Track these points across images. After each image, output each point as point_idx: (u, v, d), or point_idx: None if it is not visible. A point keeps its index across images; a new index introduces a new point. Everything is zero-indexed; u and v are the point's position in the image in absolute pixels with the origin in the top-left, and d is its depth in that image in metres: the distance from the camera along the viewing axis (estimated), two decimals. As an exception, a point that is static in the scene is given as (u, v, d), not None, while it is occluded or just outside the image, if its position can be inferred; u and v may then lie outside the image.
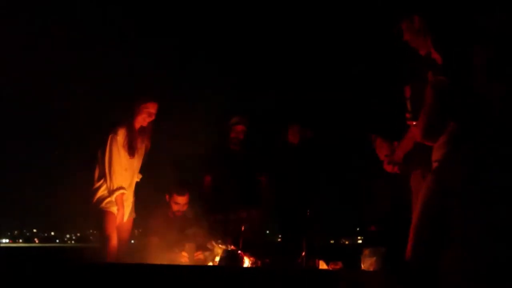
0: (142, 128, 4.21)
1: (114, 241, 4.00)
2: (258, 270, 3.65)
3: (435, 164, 2.37)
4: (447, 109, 2.33)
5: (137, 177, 4.29)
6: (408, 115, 2.65)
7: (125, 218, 4.13)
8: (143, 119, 4.16)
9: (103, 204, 4.03)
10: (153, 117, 4.19)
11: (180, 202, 4.47)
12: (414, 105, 2.62)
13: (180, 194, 4.47)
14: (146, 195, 4.56)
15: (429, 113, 2.38)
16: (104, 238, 4.01)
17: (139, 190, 4.36)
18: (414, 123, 2.59)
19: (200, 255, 4.19)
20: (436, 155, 2.38)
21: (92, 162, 4.17)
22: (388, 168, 3.17)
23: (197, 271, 3.45)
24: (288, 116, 5.32)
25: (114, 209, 4.03)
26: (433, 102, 2.36)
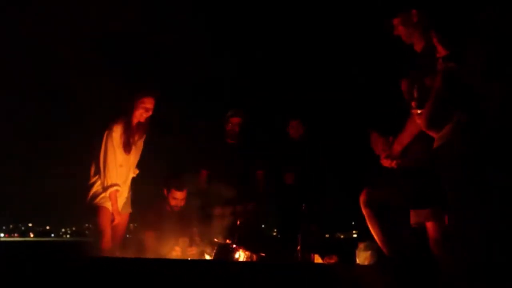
0: (139, 123, 4.21)
1: (108, 236, 4.02)
2: (254, 264, 3.66)
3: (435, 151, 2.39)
4: (455, 97, 2.33)
5: (133, 173, 4.30)
6: (413, 103, 2.62)
7: (120, 212, 4.14)
8: (140, 115, 4.16)
9: (98, 200, 4.05)
10: (150, 113, 4.19)
11: (178, 197, 4.48)
12: (420, 94, 2.60)
13: (179, 189, 4.48)
14: (143, 189, 4.56)
15: (437, 99, 2.37)
16: (98, 233, 4.04)
17: (136, 184, 4.36)
18: (419, 111, 2.57)
19: (193, 251, 4.20)
20: (437, 144, 2.39)
21: (88, 158, 4.19)
22: (386, 163, 3.16)
23: (193, 265, 3.46)
24: (289, 111, 5.29)
25: (108, 204, 4.06)
26: (441, 88, 2.35)
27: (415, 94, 2.60)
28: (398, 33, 3.01)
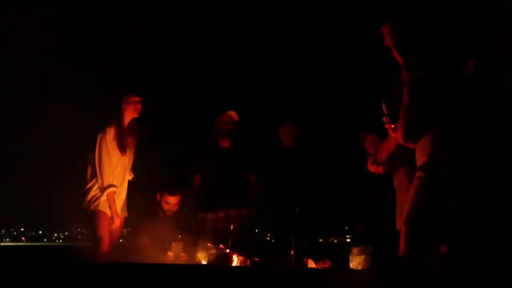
0: (130, 125, 4.26)
1: (106, 241, 4.02)
2: (247, 269, 3.66)
3: (420, 164, 2.38)
4: (426, 108, 2.33)
5: (129, 175, 4.31)
6: (385, 119, 2.63)
7: (119, 215, 4.13)
8: (133, 111, 4.25)
9: (96, 204, 4.04)
10: (140, 107, 4.26)
11: (171, 202, 4.48)
12: (391, 108, 2.60)
13: (172, 194, 4.48)
14: (136, 193, 4.56)
15: (408, 113, 2.37)
16: (96, 238, 4.02)
17: (129, 188, 4.35)
18: (392, 126, 2.58)
19: (186, 256, 4.19)
20: (419, 156, 2.39)
21: (83, 163, 4.19)
22: (372, 168, 3.16)
23: (186, 270, 3.45)
24: (282, 115, 5.28)
25: (107, 209, 4.05)
26: (410, 101, 2.35)
27: (385, 110, 2.61)
28: (387, 43, 3.01)
